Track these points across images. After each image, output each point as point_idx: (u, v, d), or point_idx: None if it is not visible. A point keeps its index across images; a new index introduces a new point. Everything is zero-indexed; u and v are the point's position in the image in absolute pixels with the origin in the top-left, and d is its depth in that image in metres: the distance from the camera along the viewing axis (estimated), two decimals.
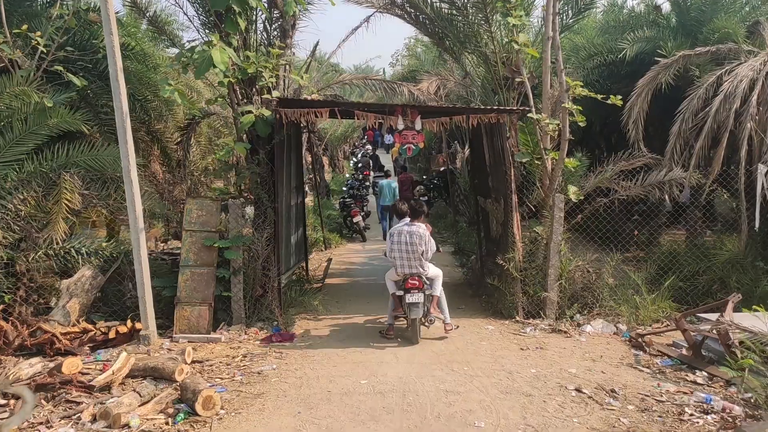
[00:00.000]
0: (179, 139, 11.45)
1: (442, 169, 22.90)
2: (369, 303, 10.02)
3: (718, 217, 11.91)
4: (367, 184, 21.89)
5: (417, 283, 7.56)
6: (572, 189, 9.08)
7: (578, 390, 6.01)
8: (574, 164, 9.21)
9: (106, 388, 5.94)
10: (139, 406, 5.36)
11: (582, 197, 9.16)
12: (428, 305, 7.72)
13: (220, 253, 8.31)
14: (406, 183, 16.38)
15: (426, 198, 19.34)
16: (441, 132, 14.68)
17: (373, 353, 7.22)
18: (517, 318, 8.77)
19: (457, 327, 8.21)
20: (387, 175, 19.13)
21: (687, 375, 6.56)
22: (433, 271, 7.96)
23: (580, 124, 8.75)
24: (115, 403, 5.26)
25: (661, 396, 5.92)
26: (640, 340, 7.67)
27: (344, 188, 20.04)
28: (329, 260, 13.44)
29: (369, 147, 40.98)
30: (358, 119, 8.23)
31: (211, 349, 7.43)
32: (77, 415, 5.30)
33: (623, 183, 9.80)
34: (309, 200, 18.94)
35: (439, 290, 7.94)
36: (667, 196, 10.68)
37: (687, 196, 13.63)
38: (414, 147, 8.30)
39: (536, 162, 9.42)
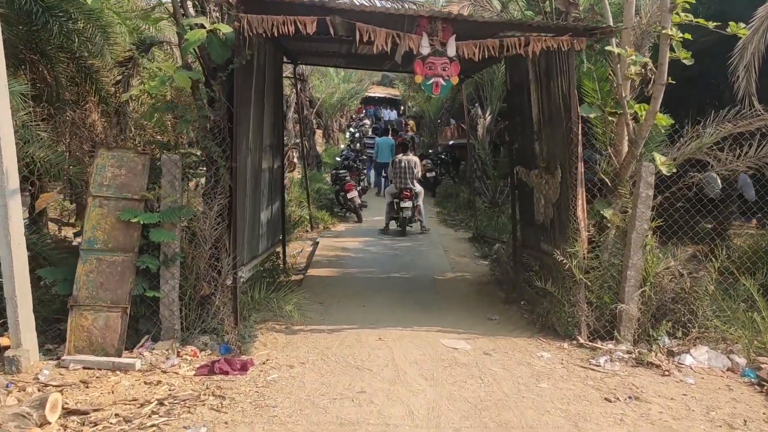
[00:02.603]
0: (118, 78, 8.58)
1: (450, 143, 20.14)
2: (365, 306, 7.30)
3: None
4: (364, 157, 19.05)
5: (409, 194, 11.37)
6: (660, 158, 6.34)
7: None
8: (668, 122, 6.45)
9: None
10: None
11: (674, 170, 6.42)
12: (414, 211, 11.53)
13: (145, 234, 5.51)
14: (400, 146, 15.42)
15: (433, 174, 16.65)
16: (459, 90, 11.89)
17: (373, 405, 4.44)
18: (580, 338, 6.07)
19: (429, 230, 12.00)
20: (386, 132, 18.13)
21: None
22: (419, 188, 11.79)
23: (685, 61, 5.99)
24: None
25: None
26: None
27: (338, 158, 17.22)
28: (315, 244, 10.70)
29: (367, 122, 38.12)
30: (362, 37, 5.38)
31: (112, 385, 4.65)
32: None
33: (719, 154, 7.02)
34: (296, 173, 16.15)
35: (420, 202, 11.75)
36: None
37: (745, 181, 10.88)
38: (444, 82, 5.49)
39: (609, 118, 6.67)
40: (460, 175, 17.62)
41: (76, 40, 7.90)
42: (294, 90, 14.04)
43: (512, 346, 5.93)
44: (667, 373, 5.34)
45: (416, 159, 12.18)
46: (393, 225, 11.95)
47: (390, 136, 17.52)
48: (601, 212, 6.55)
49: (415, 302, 7.51)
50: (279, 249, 8.86)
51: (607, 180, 6.54)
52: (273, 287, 7.11)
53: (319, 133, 25.37)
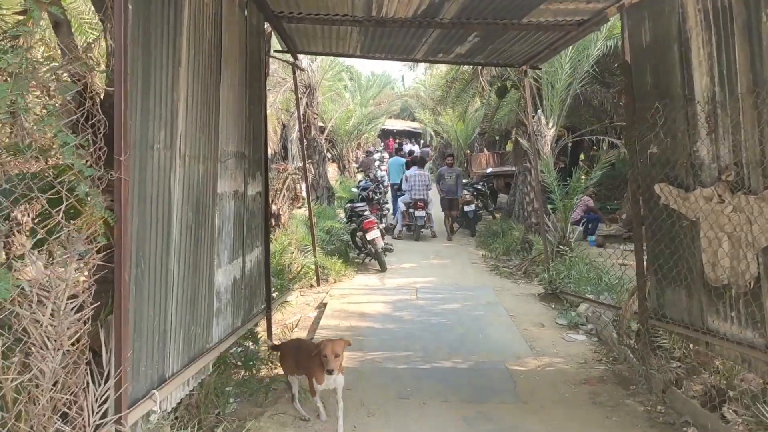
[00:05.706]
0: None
1: (488, 171, 16.99)
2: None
3: None
4: (384, 190, 15.89)
5: (422, 204, 12.77)
6: None
7: None
8: None
9: None
10: None
11: None
12: (425, 219, 12.94)
13: None
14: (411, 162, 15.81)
15: (473, 207, 13.40)
16: (499, 103, 8.68)
17: None
18: None
19: (436, 236, 13.20)
20: (397, 153, 18.11)
21: None
22: (430, 198, 13.05)
23: None
24: None
25: None
26: None
27: (354, 189, 14.06)
28: (322, 308, 7.45)
29: (386, 155, 35.56)
30: None
31: None
32: None
33: None
34: (304, 210, 12.97)
35: (431, 210, 13.20)
36: None
37: None
38: None
39: None
40: (506, 208, 14.41)
41: None
42: (297, 102, 10.88)
43: None
44: None
45: (428, 173, 13.46)
46: (405, 231, 13.34)
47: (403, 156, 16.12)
48: None
49: (493, 428, 4.19)
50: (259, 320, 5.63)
51: None
52: (242, 393, 3.85)
53: (333, 167, 22.40)
